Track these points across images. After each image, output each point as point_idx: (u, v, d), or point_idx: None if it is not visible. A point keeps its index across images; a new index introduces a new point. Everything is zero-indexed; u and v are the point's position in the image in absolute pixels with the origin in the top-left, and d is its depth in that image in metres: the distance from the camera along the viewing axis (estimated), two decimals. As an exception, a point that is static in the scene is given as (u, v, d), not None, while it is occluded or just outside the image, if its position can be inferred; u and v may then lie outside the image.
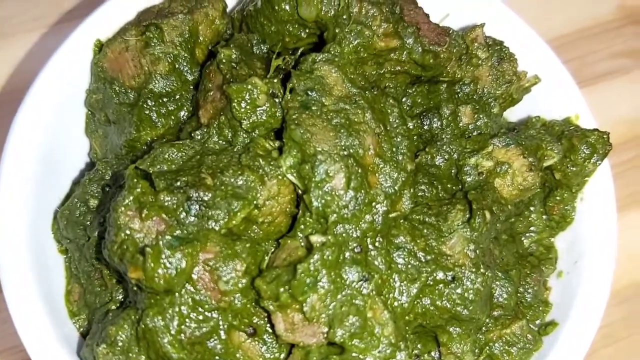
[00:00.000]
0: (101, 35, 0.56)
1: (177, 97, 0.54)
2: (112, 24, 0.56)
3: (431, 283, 0.46)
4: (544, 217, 0.54)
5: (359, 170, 0.45)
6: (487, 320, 0.49)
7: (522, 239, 0.55)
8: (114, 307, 0.49)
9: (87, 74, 0.56)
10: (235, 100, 0.47)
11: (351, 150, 0.45)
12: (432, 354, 0.48)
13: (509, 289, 0.50)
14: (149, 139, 0.53)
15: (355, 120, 0.46)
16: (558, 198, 0.53)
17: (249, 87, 0.47)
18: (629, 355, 0.69)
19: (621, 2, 0.90)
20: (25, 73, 0.78)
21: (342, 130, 0.46)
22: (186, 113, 0.54)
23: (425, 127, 0.54)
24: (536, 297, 0.52)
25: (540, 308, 0.52)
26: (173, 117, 0.54)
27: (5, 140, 0.53)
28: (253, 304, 0.45)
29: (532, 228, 0.54)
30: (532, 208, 0.54)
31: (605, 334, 0.69)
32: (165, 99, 0.53)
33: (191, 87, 0.54)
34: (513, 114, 0.60)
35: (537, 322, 0.52)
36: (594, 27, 0.88)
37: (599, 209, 0.52)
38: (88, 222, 0.50)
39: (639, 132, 0.83)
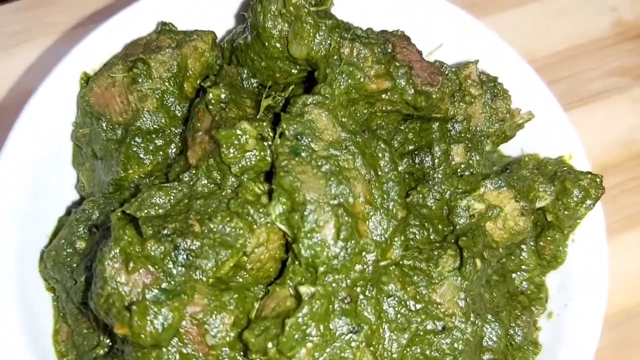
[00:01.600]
0: (87, 67, 0.55)
1: (166, 132, 0.53)
2: (99, 56, 0.55)
3: (421, 333, 0.45)
4: (536, 256, 0.54)
5: (349, 220, 0.44)
6: (477, 364, 0.48)
7: (513, 276, 0.54)
8: (101, 352, 0.48)
9: (73, 106, 0.55)
10: (224, 146, 0.46)
11: (341, 200, 0.45)
12: (422, 399, 0.48)
13: (499, 332, 0.50)
14: (137, 176, 0.52)
15: (346, 166, 0.46)
16: (549, 238, 0.53)
17: (238, 132, 0.46)
18: (617, 380, 0.69)
19: (617, 18, 0.89)
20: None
21: (332, 178, 0.45)
22: (175, 148, 0.53)
23: (417, 166, 0.53)
24: (526, 338, 0.52)
25: (530, 349, 0.52)
26: (161, 153, 0.53)
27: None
28: (241, 354, 0.44)
29: (523, 266, 0.54)
30: (523, 247, 0.54)
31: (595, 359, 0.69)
32: (153, 136, 0.52)
33: (180, 123, 0.53)
34: (506, 147, 0.59)
35: (526, 364, 0.51)
36: (590, 44, 0.87)
37: (591, 253, 0.51)
38: (75, 265, 0.50)
39: (634, 153, 0.82)
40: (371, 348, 0.44)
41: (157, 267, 0.43)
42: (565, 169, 0.52)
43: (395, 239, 0.46)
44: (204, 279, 0.44)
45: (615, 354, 0.70)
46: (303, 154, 0.45)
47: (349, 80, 0.48)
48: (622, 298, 0.73)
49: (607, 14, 0.89)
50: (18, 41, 0.80)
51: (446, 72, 0.52)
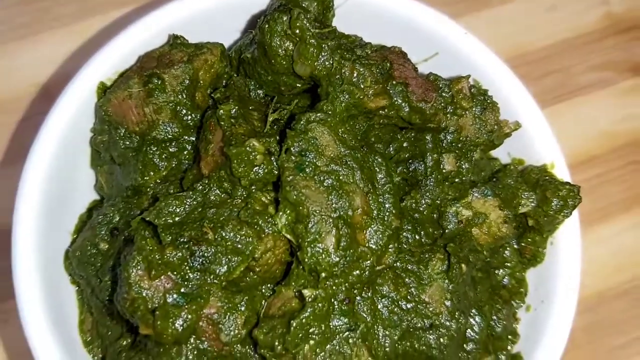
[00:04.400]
0: (103, 76, 0.58)
1: (179, 140, 0.57)
2: (114, 66, 0.58)
3: (411, 329, 0.51)
4: (517, 255, 0.59)
5: (348, 231, 0.49)
6: (460, 354, 0.54)
7: (497, 272, 0.60)
8: (125, 342, 0.54)
9: (91, 113, 0.59)
10: (235, 161, 0.50)
11: (341, 212, 0.49)
12: (412, 386, 0.54)
13: (481, 324, 0.55)
14: (153, 182, 0.56)
15: (345, 181, 0.50)
16: (530, 240, 0.58)
17: (248, 149, 0.50)
18: (589, 358, 0.75)
19: (607, 11, 0.92)
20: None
21: (333, 192, 0.50)
22: (187, 155, 0.57)
23: (411, 173, 0.58)
24: (506, 329, 0.58)
25: (510, 338, 0.58)
26: (175, 159, 0.57)
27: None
28: (251, 349, 0.50)
29: (506, 263, 0.59)
30: (507, 246, 0.59)
31: (570, 340, 0.75)
32: (167, 144, 0.57)
33: (192, 131, 0.57)
34: (494, 150, 0.63)
35: (505, 352, 0.57)
36: (579, 38, 0.90)
37: (566, 255, 0.56)
38: (99, 264, 0.55)
39: (617, 145, 0.86)
40: (367, 343, 0.49)
41: (175, 273, 0.48)
42: (547, 178, 0.57)
43: (390, 246, 0.51)
44: (218, 282, 0.49)
45: (589, 333, 0.77)
46: (307, 170, 0.50)
47: (350, 99, 0.52)
48: (597, 282, 0.78)
49: (598, 7, 0.92)
50: (26, 33, 0.83)
51: (440, 87, 0.56)
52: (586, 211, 0.81)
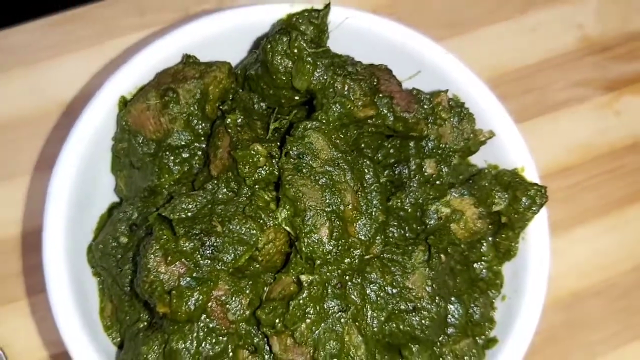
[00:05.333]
0: (124, 91, 0.66)
1: (191, 147, 0.64)
2: (134, 82, 0.66)
3: (396, 312, 0.57)
4: (493, 249, 0.65)
5: (340, 223, 0.56)
6: (441, 337, 0.61)
7: (475, 266, 0.66)
8: (142, 325, 0.60)
9: (112, 124, 0.66)
10: (241, 163, 0.57)
11: (334, 207, 0.56)
12: (397, 364, 0.60)
13: (461, 311, 0.62)
14: (167, 184, 0.63)
15: (338, 180, 0.57)
16: (504, 236, 0.65)
17: (252, 152, 0.58)
18: (567, 353, 0.81)
19: (583, 34, 1.00)
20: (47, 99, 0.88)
21: (327, 190, 0.57)
22: (198, 160, 0.65)
23: (396, 176, 0.65)
24: (483, 316, 0.64)
25: (486, 324, 0.64)
26: (187, 164, 0.64)
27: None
28: (255, 327, 0.56)
29: (483, 258, 0.66)
30: (483, 242, 0.66)
31: (548, 336, 0.81)
32: (180, 150, 0.64)
33: (202, 139, 0.64)
34: (473, 157, 0.70)
35: (483, 337, 0.64)
36: (557, 58, 0.98)
37: (536, 249, 0.63)
38: (119, 256, 0.62)
39: (593, 156, 0.93)
40: (356, 323, 0.56)
41: (188, 260, 0.55)
42: (517, 180, 0.64)
43: (377, 237, 0.58)
44: (225, 268, 0.56)
45: (567, 330, 0.82)
46: (304, 170, 0.57)
47: (341, 109, 0.59)
48: (574, 283, 0.85)
49: (574, 30, 1.00)
50: (50, 54, 0.90)
51: (422, 99, 0.64)
52: (564, 216, 0.88)
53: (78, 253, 0.65)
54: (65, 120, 0.86)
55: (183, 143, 0.63)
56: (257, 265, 0.58)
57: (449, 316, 0.61)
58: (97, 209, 0.68)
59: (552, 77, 0.97)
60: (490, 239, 0.66)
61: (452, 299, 0.61)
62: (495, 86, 0.72)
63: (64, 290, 0.60)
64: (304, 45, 0.60)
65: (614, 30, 1.00)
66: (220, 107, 0.65)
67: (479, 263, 0.66)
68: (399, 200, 0.63)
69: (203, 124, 0.64)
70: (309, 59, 0.60)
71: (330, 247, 0.56)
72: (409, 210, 0.63)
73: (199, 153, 0.64)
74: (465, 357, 0.60)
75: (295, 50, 0.60)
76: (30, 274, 0.79)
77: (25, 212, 0.82)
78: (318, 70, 0.60)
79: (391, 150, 0.65)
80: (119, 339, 0.63)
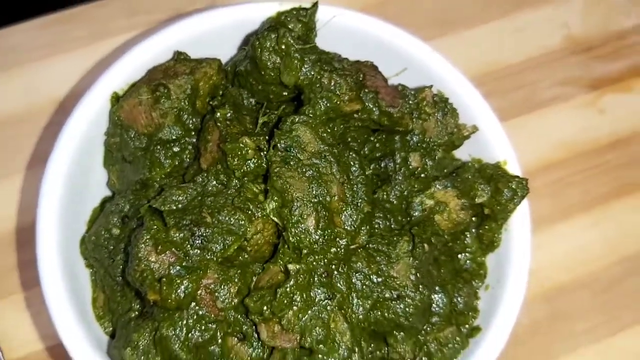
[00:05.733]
0: (116, 87, 0.68)
1: (182, 142, 0.66)
2: (126, 79, 0.67)
3: (381, 300, 0.59)
4: (477, 241, 0.67)
5: (326, 214, 0.58)
6: (426, 325, 0.62)
7: (460, 257, 0.68)
8: (133, 314, 0.62)
9: (105, 119, 0.68)
10: (230, 156, 0.59)
11: (320, 198, 0.58)
12: (382, 351, 0.62)
13: (445, 300, 0.63)
14: (159, 177, 0.65)
15: (324, 172, 0.59)
16: (487, 227, 0.66)
17: (241, 145, 0.59)
18: (551, 344, 0.83)
19: (568, 33, 1.02)
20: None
21: (313, 182, 0.58)
22: (188, 154, 0.66)
23: (382, 169, 0.66)
24: (467, 305, 0.66)
25: (470, 314, 0.66)
26: (178, 158, 0.66)
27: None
28: (243, 315, 0.58)
29: (467, 249, 0.68)
30: (467, 234, 0.67)
31: (532, 328, 0.83)
32: (171, 144, 0.65)
33: (193, 133, 0.66)
34: (457, 152, 0.72)
35: (467, 326, 0.65)
36: (543, 57, 1.00)
37: (518, 240, 0.65)
38: (111, 247, 0.63)
39: (578, 153, 0.95)
40: (342, 311, 0.57)
41: (178, 249, 0.57)
42: (499, 173, 0.66)
43: (362, 228, 0.60)
44: (215, 258, 0.57)
45: (552, 321, 0.84)
46: (291, 163, 0.59)
47: (328, 104, 0.61)
48: (558, 276, 0.86)
49: (560, 30, 1.02)
50: (44, 54, 0.92)
51: (407, 95, 0.66)
52: (549, 211, 0.90)
53: (71, 245, 0.66)
54: (59, 118, 0.87)
55: (174, 137, 0.65)
56: (246, 256, 0.59)
57: (434, 305, 0.63)
58: (90, 202, 0.70)
59: (538, 75, 0.99)
60: (474, 230, 0.67)
61: (437, 288, 0.63)
62: (482, 84, 0.74)
63: (57, 281, 0.61)
64: (292, 41, 0.62)
65: (597, 31, 1.02)
66: (211, 102, 0.66)
67: (463, 254, 0.68)
68: (384, 193, 0.65)
69: (193, 119, 0.66)
70: (297, 54, 0.62)
71: (317, 237, 0.57)
72: (395, 202, 0.64)
73: (190, 147, 0.66)
74: (449, 345, 0.62)
75: (283, 47, 0.62)
76: (25, 268, 0.80)
77: (19, 208, 0.83)
78: (305, 66, 0.62)
79: (377, 145, 0.67)
80: (110, 328, 0.64)
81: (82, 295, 0.65)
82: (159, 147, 0.65)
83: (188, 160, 0.66)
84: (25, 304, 0.79)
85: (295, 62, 0.61)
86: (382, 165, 0.66)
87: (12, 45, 0.92)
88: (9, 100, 0.89)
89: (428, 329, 0.63)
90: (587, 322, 0.84)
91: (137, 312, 0.62)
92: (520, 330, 0.81)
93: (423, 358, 0.62)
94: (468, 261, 0.68)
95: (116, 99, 0.67)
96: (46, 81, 0.89)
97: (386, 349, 0.62)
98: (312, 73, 0.62)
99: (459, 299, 0.65)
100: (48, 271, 0.61)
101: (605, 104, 0.97)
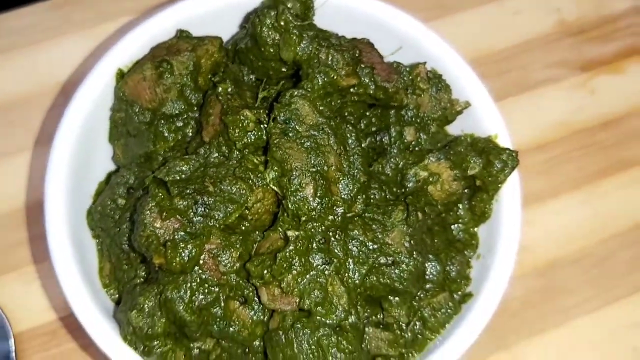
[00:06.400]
0: (121, 64, 0.70)
1: (184, 117, 0.68)
2: (130, 56, 0.70)
3: (377, 265, 0.61)
4: (469, 212, 0.70)
5: (324, 183, 0.60)
6: (420, 291, 0.65)
7: (453, 227, 0.71)
8: (139, 281, 0.64)
9: (110, 95, 0.70)
10: (231, 127, 0.61)
11: (318, 168, 0.61)
12: (378, 316, 0.64)
13: (438, 268, 0.66)
14: (162, 150, 0.67)
15: (322, 143, 0.62)
16: (479, 199, 0.69)
17: (242, 117, 0.62)
18: (544, 317, 0.85)
19: (561, 16, 1.04)
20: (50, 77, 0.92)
21: (311, 152, 0.61)
22: (191, 129, 0.69)
23: (378, 143, 0.69)
24: (459, 273, 0.68)
25: (462, 282, 0.68)
26: (181, 132, 0.68)
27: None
28: (245, 280, 0.61)
29: (460, 220, 0.70)
30: (460, 205, 0.70)
31: (525, 301, 0.85)
32: (174, 119, 0.68)
33: (195, 109, 0.68)
34: (451, 128, 0.74)
35: (459, 292, 0.68)
36: (537, 40, 1.02)
37: (508, 211, 0.67)
38: (117, 217, 0.66)
39: (569, 132, 0.97)
40: (339, 276, 0.60)
41: (182, 216, 0.59)
42: (491, 145, 0.68)
43: (358, 197, 0.62)
44: (217, 225, 0.60)
45: (543, 295, 0.87)
46: (290, 134, 0.61)
47: (325, 78, 0.64)
48: (551, 252, 0.89)
49: (553, 14, 1.04)
50: (50, 35, 0.94)
51: (401, 71, 0.68)
52: (541, 188, 0.93)
53: (78, 218, 0.69)
54: (63, 99, 0.89)
55: (177, 112, 0.67)
56: (247, 224, 0.62)
57: (428, 273, 0.65)
58: (96, 177, 0.72)
59: (531, 58, 1.01)
60: (466, 202, 0.70)
61: (430, 257, 0.65)
62: (477, 66, 0.76)
63: (66, 252, 0.64)
64: (290, 18, 0.64)
65: (589, 14, 1.04)
66: (212, 78, 0.69)
67: (456, 225, 0.70)
68: (380, 165, 0.67)
69: (196, 95, 0.68)
70: (295, 31, 0.64)
71: (315, 205, 0.60)
72: (390, 174, 0.67)
73: (192, 122, 0.68)
74: (442, 310, 0.65)
75: (282, 23, 0.64)
76: (35, 243, 0.82)
77: (29, 185, 0.86)
78: (303, 42, 0.64)
79: (373, 119, 0.69)
80: (116, 295, 0.67)
81: (89, 265, 0.67)
82: (162, 121, 0.67)
83: (191, 134, 0.69)
84: (36, 276, 0.81)
85: (294, 38, 0.64)
86: (378, 139, 0.69)
87: (18, 27, 0.94)
88: (16, 81, 0.91)
89: (422, 294, 0.65)
90: (578, 296, 0.87)
91: (142, 279, 0.64)
92: (513, 304, 0.84)
93: (417, 322, 0.64)
94: (461, 232, 0.70)
95: (121, 76, 0.69)
96: (51, 63, 0.92)
97: (382, 313, 0.64)
98: (310, 48, 0.64)
99: (452, 267, 0.68)
100: (57, 243, 0.64)
101: (596, 85, 0.99)
